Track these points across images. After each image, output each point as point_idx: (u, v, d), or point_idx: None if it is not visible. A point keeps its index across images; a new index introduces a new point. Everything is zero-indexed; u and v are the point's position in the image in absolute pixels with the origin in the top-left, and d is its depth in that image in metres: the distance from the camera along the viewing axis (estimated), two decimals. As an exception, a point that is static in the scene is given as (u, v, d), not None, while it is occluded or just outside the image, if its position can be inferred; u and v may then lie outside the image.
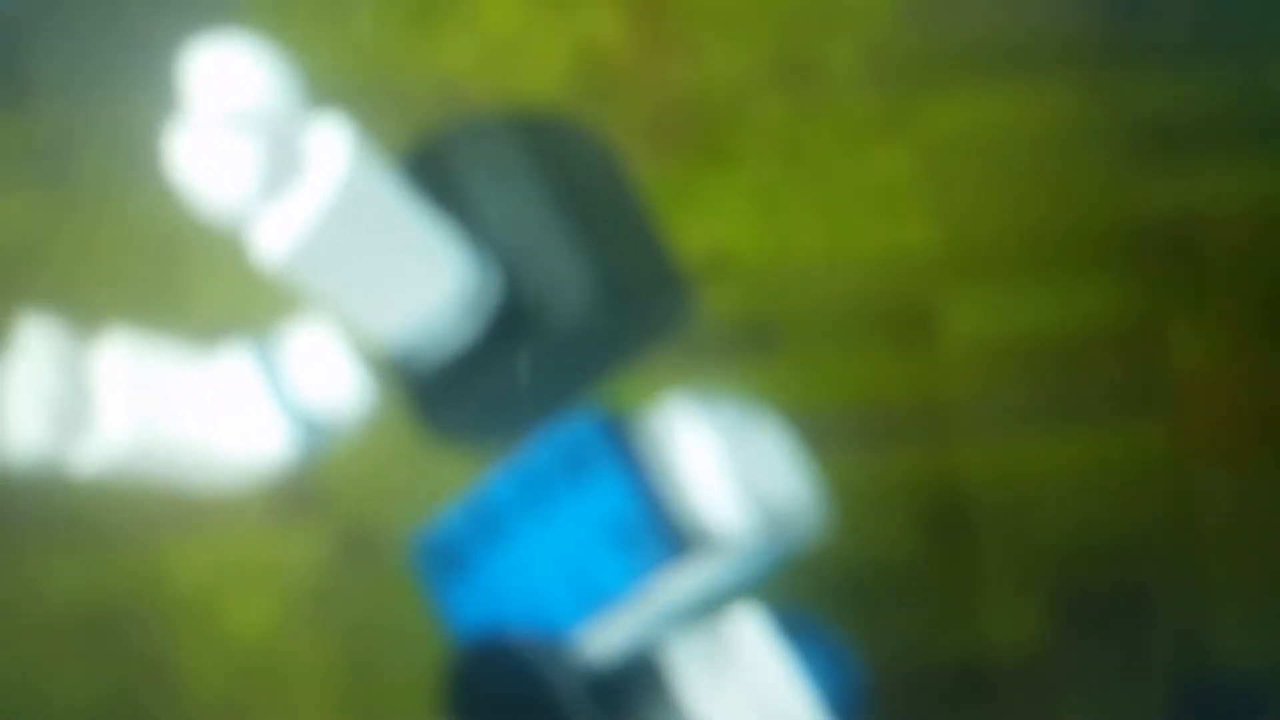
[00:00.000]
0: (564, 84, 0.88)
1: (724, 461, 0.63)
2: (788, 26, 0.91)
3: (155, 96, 0.48)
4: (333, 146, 0.52)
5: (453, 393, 0.64)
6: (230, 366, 0.63)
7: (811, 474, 0.62)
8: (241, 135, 0.49)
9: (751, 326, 0.87)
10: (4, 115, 0.87)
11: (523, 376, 0.62)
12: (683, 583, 0.63)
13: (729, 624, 0.64)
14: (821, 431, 0.63)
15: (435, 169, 0.61)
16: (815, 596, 0.58)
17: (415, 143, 0.60)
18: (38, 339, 0.64)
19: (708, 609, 0.65)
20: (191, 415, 0.63)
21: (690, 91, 0.89)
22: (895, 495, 0.86)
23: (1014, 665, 0.84)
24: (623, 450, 0.63)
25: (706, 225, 0.87)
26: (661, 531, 0.60)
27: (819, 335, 0.87)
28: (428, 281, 0.58)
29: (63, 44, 0.86)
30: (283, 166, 0.50)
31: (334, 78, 0.61)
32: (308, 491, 0.80)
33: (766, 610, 0.63)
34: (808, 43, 0.91)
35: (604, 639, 0.63)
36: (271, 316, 0.56)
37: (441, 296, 0.59)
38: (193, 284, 0.84)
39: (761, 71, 0.90)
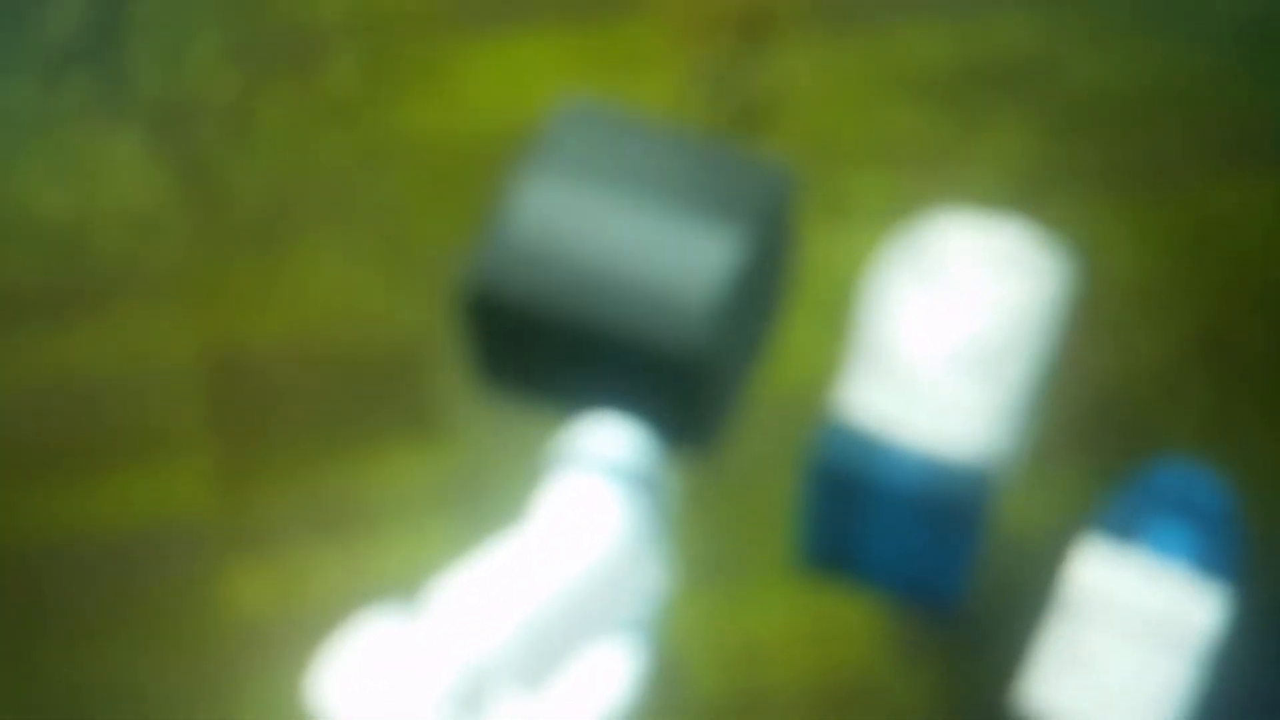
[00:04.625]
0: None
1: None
2: (1207, 305, 0.93)
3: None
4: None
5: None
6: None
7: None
8: None
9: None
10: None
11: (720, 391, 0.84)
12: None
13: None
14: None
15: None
16: None
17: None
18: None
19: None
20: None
21: (1118, 379, 0.91)
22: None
23: None
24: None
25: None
26: (953, 488, 0.76)
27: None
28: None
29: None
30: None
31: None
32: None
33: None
34: (1227, 320, 0.93)
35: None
36: None
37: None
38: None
39: (1188, 352, 0.92)
